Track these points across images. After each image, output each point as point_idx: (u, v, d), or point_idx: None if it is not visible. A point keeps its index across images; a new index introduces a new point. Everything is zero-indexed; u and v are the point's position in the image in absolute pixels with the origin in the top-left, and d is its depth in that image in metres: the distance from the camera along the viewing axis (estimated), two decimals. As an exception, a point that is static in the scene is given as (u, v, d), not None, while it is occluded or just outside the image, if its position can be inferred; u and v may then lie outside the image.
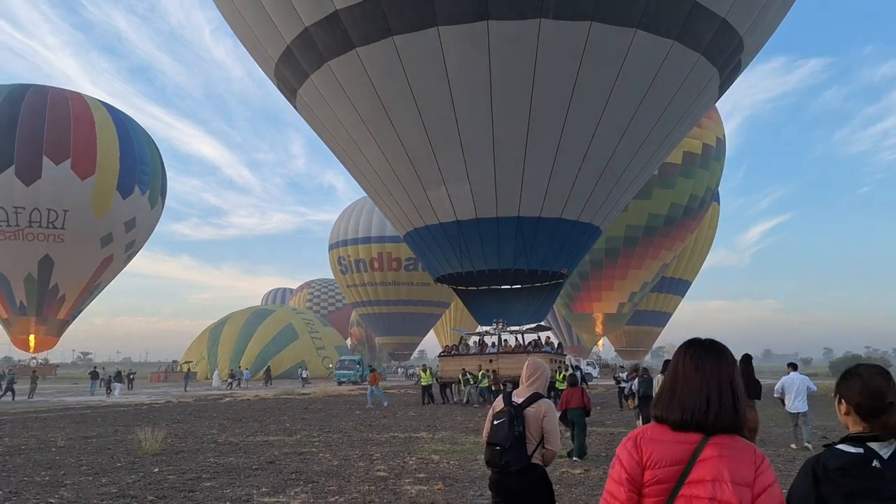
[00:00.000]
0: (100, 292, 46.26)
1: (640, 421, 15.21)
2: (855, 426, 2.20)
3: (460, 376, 26.59)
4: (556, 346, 27.58)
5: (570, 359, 67.77)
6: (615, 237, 38.93)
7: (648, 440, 2.12)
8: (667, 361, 13.04)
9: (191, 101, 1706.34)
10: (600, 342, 57.48)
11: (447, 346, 30.89)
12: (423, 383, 28.05)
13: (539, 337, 28.51)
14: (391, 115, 20.66)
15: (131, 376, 41.03)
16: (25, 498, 7.78)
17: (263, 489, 8.22)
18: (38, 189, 39.51)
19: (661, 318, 55.40)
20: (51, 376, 47.62)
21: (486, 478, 8.29)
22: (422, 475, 9.35)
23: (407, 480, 8.94)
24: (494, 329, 27.27)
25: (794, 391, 12.55)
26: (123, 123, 43.14)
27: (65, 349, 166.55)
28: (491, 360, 26.29)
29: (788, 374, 13.04)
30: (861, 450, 2.10)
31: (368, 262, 54.10)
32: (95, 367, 40.60)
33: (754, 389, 8.72)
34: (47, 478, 9.17)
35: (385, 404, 24.92)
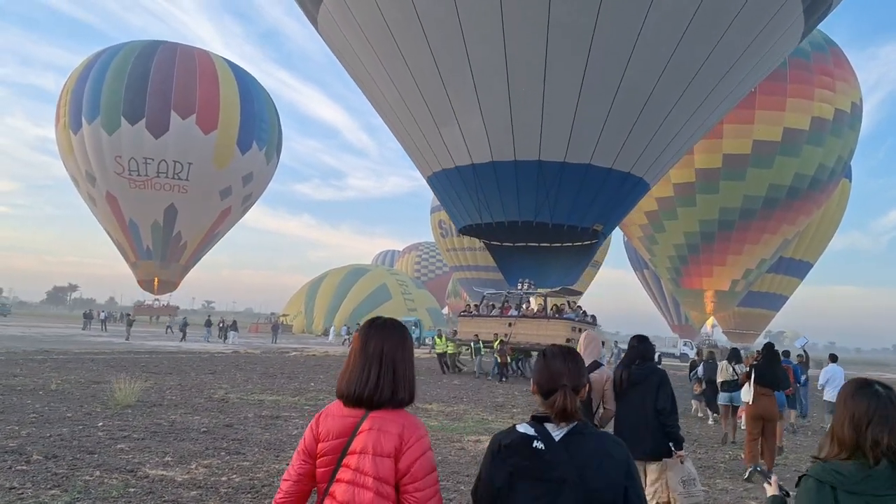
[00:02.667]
0: (217, 241, 49.02)
1: (705, 406, 14.74)
2: (541, 406, 2.21)
3: (472, 343, 24.21)
4: (581, 313, 25.03)
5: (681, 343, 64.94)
6: (730, 208, 36.86)
7: (325, 415, 2.24)
8: (734, 349, 12.57)
9: (314, 66, 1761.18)
10: (709, 322, 55.05)
11: (468, 305, 28.76)
12: (437, 350, 25.64)
13: (567, 302, 26.23)
14: (398, 42, 18.71)
15: (226, 325, 43.27)
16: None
17: (167, 458, 7.56)
18: (166, 142, 42.03)
19: (776, 301, 52.30)
20: (168, 318, 51.02)
21: (456, 463, 8.17)
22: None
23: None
24: (519, 290, 24.96)
25: (835, 383, 13.05)
26: (245, 81, 45.07)
27: (195, 296, 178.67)
28: (510, 324, 23.93)
29: (828, 365, 13.66)
30: (533, 430, 2.12)
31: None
32: (207, 317, 43.17)
33: (773, 379, 8.72)
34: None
35: None
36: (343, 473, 2.13)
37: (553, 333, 22.19)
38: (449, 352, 24.87)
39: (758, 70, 20.71)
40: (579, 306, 25.32)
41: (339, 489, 2.12)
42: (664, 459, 5.16)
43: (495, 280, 57.03)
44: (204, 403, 12.28)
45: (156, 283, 46.28)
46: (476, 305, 27.64)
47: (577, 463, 2.07)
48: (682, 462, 5.18)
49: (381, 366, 2.21)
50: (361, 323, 2.77)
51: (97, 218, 46.23)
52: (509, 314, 24.94)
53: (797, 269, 49.60)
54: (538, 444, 2.09)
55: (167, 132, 41.77)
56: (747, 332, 54.73)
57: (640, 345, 5.38)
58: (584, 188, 20.86)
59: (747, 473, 8.45)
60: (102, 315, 48.38)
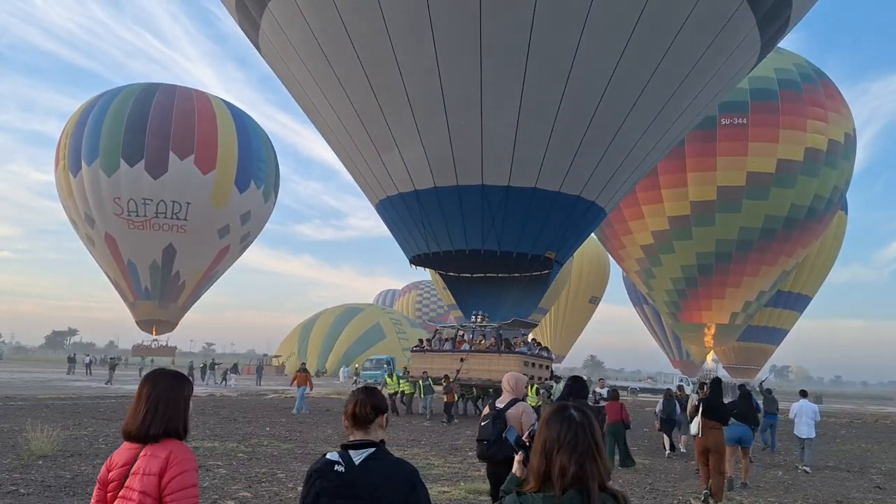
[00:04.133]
0: (216, 281, 48.88)
1: (666, 443, 15.17)
2: (352, 435, 2.70)
3: (420, 381, 22.55)
4: (536, 347, 23.72)
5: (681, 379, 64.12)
6: (726, 240, 36.97)
7: (118, 450, 2.74)
8: (703, 383, 12.84)
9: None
10: (710, 356, 54.78)
11: (420, 340, 27.61)
12: (388, 391, 23.39)
13: (520, 335, 24.70)
14: (333, 67, 18.08)
15: (215, 367, 43.12)
16: None
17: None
18: (165, 182, 42.22)
19: (776, 335, 52.10)
20: (169, 358, 50.72)
21: None
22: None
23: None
24: (472, 323, 23.46)
25: (804, 417, 13.52)
26: (242, 120, 45.54)
27: (193, 338, 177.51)
28: (462, 360, 22.59)
29: (799, 401, 14.08)
30: (337, 456, 2.59)
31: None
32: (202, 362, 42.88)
33: (720, 413, 9.45)
34: None
35: (304, 411, 21.30)
36: (122, 492, 2.63)
37: (505, 369, 21.12)
38: (406, 392, 23.38)
39: (714, 86, 19.78)
40: (534, 339, 24.21)
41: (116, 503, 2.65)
42: None
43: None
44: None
45: (154, 323, 45.98)
46: (428, 340, 25.97)
47: (371, 482, 2.54)
48: None
49: (148, 407, 2.69)
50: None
51: (95, 259, 46.17)
52: (462, 349, 23.59)
53: (796, 302, 49.54)
54: (339, 468, 2.54)
55: (166, 173, 41.99)
56: (748, 367, 54.37)
57: (575, 384, 6.25)
58: (532, 213, 20.05)
59: (703, 496, 9.24)
60: (87, 359, 47.87)
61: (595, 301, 68.75)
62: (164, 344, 49.96)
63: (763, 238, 36.65)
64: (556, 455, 2.08)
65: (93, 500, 2.71)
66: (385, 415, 2.77)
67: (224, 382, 37.90)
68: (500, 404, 5.69)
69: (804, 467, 13.16)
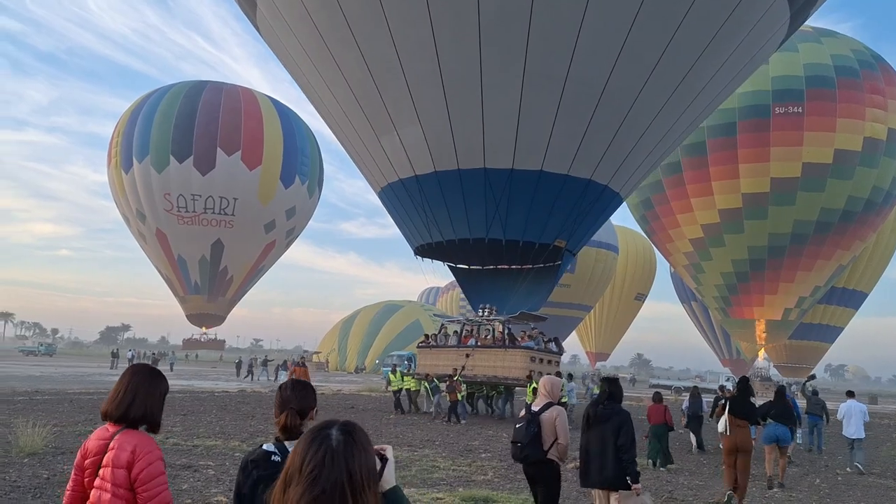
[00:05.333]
0: (262, 275, 49.65)
1: (693, 440, 15.09)
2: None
3: (423, 382, 21.72)
4: (543, 341, 22.07)
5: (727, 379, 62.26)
6: (780, 234, 35.89)
7: (90, 439, 2.96)
8: (722, 386, 12.28)
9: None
10: (761, 353, 53.24)
11: (426, 335, 25.90)
12: (392, 388, 22.61)
13: (528, 330, 23.10)
14: (329, 48, 17.20)
15: (267, 363, 43.60)
16: None
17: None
18: (213, 178, 43.02)
19: (830, 333, 50.46)
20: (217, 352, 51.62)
21: None
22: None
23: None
24: (480, 317, 22.20)
25: (852, 418, 13.30)
26: (287, 116, 46.11)
27: (239, 335, 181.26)
28: (468, 355, 21.49)
29: (846, 401, 13.84)
30: (273, 447, 2.66)
31: (509, 260, 53.79)
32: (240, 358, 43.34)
33: (746, 411, 9.42)
34: None
35: None
36: (96, 482, 2.87)
37: (510, 365, 20.25)
38: (412, 388, 22.40)
39: (737, 61, 18.05)
40: (541, 333, 22.66)
41: (92, 494, 2.87)
42: (621, 490, 5.88)
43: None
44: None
45: (203, 317, 46.93)
46: (434, 335, 24.69)
47: None
48: (637, 494, 5.86)
49: (127, 393, 2.95)
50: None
51: (147, 255, 47.31)
52: (468, 344, 22.26)
53: (851, 298, 47.94)
54: (276, 458, 2.63)
55: (214, 169, 42.77)
56: (800, 366, 52.77)
57: (610, 387, 6.20)
58: (538, 198, 18.53)
59: (726, 497, 9.08)
60: (129, 354, 48.95)
61: (641, 298, 67.63)
62: (214, 338, 50.96)
63: (818, 231, 35.48)
64: (291, 489, 1.57)
65: (69, 484, 2.97)
66: (314, 409, 2.90)
67: (276, 378, 38.44)
68: (535, 407, 5.88)
69: (855, 464, 12.93)
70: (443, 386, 20.78)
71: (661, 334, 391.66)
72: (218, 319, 48.15)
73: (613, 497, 5.93)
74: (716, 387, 24.27)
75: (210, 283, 45.49)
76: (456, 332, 23.94)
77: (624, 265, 60.09)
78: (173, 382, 29.70)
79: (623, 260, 58.73)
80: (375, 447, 1.77)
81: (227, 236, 44.23)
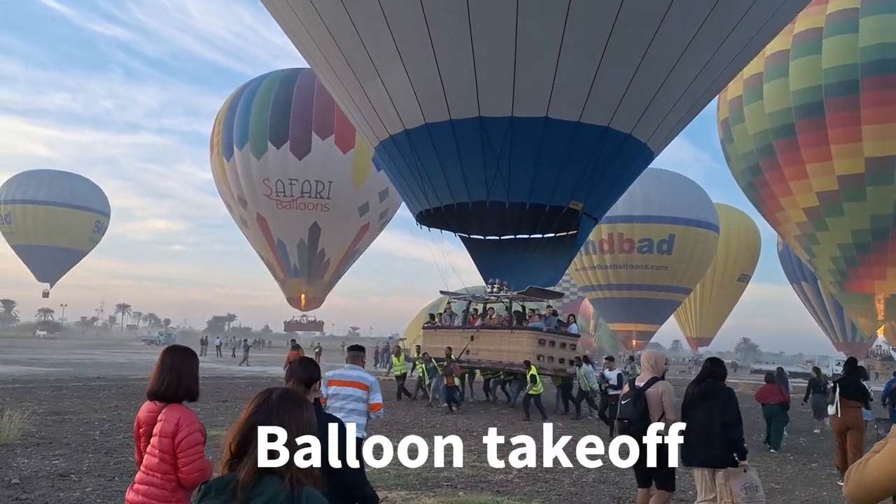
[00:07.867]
0: (357, 258, 50.44)
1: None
2: None
3: (418, 363, 20.45)
4: (554, 320, 19.73)
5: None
6: (909, 199, 33.01)
7: (141, 411, 3.67)
8: (816, 368, 11.62)
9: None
10: (881, 330, 49.15)
11: (431, 315, 24.26)
12: (395, 373, 21.58)
13: (540, 307, 21.22)
14: None
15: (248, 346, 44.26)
16: None
17: None
18: (308, 163, 43.82)
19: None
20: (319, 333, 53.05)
21: None
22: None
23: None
24: (488, 293, 19.64)
25: None
26: (380, 99, 46.45)
27: (336, 322, 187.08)
28: (472, 338, 19.74)
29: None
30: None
31: (598, 243, 51.89)
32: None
33: (858, 391, 9.66)
34: None
35: None
36: (148, 448, 3.48)
37: (516, 349, 18.26)
38: (419, 373, 21.34)
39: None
40: (554, 311, 20.29)
41: (146, 458, 3.49)
42: (728, 468, 5.83)
43: (638, 299, 54.28)
44: (101, 441, 10.59)
45: (303, 299, 48.12)
46: (440, 315, 23.24)
47: None
48: (745, 471, 5.80)
49: (171, 373, 3.52)
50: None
51: (248, 240, 48.92)
52: (476, 324, 20.62)
53: None
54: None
55: (309, 153, 43.56)
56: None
57: (713, 366, 6.23)
58: (545, 151, 15.45)
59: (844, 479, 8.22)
60: (217, 341, 50.82)
61: (745, 279, 64.48)
62: (314, 319, 52.25)
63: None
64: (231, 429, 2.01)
65: (136, 451, 3.68)
66: (318, 381, 3.61)
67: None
68: (639, 383, 5.97)
69: None
70: (440, 369, 19.37)
71: (768, 318, 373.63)
72: (316, 302, 49.30)
73: (718, 474, 5.91)
74: (776, 367, 21.09)
75: (308, 266, 46.52)
76: (465, 311, 22.09)
77: (726, 244, 57.37)
78: (245, 369, 29.91)
79: (724, 239, 56.04)
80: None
81: (323, 219, 45.04)
